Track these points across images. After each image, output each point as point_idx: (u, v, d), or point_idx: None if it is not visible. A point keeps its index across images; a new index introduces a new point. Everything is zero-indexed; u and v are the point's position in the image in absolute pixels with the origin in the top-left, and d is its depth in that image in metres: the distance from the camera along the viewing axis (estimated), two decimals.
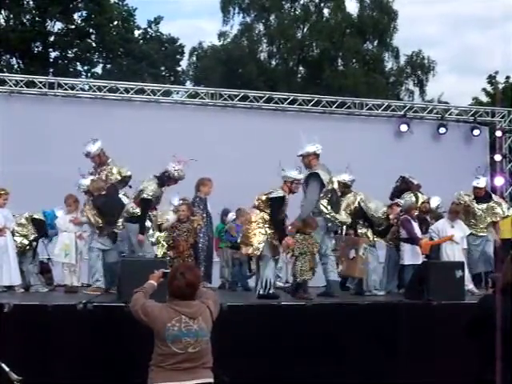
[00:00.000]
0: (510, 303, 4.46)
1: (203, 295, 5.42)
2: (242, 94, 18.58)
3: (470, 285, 11.42)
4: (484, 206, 12.61)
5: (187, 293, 5.18)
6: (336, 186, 11.00)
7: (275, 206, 10.15)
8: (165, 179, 10.72)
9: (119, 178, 11.21)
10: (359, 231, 11.50)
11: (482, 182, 12.67)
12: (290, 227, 10.65)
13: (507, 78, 38.34)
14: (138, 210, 10.52)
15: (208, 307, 5.26)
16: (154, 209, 10.88)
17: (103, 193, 10.84)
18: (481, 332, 4.57)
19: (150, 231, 11.00)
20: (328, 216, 10.71)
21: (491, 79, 38.07)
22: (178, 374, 5.10)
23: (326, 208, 10.71)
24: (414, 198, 12.53)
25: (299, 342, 8.61)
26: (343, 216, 11.07)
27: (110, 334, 8.11)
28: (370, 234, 11.55)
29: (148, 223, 10.73)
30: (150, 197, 10.48)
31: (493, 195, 13.28)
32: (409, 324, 9.21)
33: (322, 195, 10.70)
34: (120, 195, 11.25)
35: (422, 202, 12.55)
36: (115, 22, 35.97)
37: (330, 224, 10.88)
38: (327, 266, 10.77)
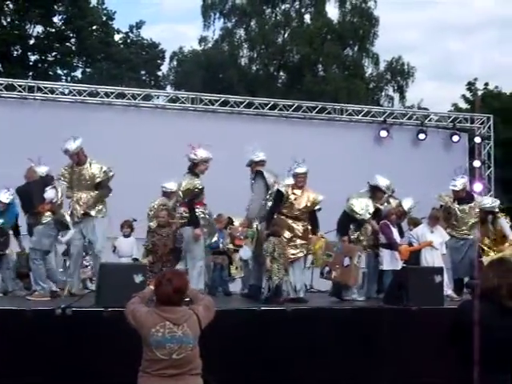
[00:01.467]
0: (489, 309, 4.47)
1: (197, 301, 5.40)
2: (223, 98, 18.61)
3: (448, 290, 11.45)
4: (466, 207, 12.40)
5: (174, 299, 5.16)
6: None
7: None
8: (194, 168, 10.53)
9: (99, 178, 10.90)
10: (352, 237, 11.49)
11: (458, 185, 12.47)
12: (240, 228, 10.77)
13: (486, 84, 38.62)
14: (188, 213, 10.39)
15: (196, 313, 5.22)
16: (202, 204, 10.75)
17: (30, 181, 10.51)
18: (461, 338, 4.57)
19: None
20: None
21: (470, 86, 38.31)
22: (164, 380, 5.07)
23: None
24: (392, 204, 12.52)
25: (279, 347, 8.59)
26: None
27: (89, 339, 8.05)
28: (362, 237, 11.57)
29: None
30: (199, 187, 10.37)
31: (475, 196, 13.07)
32: (388, 329, 9.22)
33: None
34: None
35: (396, 206, 12.50)
36: (95, 26, 35.86)
37: None
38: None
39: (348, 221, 11.47)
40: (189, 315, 5.19)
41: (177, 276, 5.29)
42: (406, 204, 12.44)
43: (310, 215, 11.06)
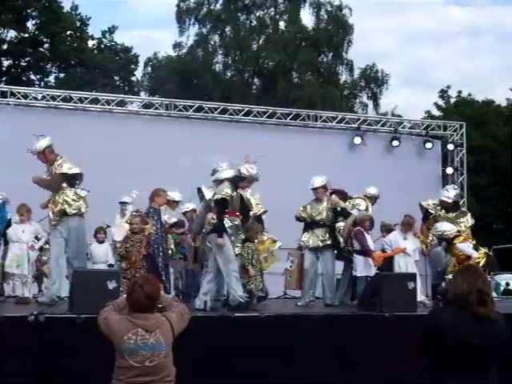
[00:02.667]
0: (459, 316, 4.51)
1: (172, 308, 5.38)
2: (197, 104, 18.59)
3: (421, 296, 11.51)
4: (453, 215, 12.30)
5: (145, 305, 5.12)
6: None
7: None
8: (238, 181, 10.44)
9: (67, 173, 10.52)
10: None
11: (452, 196, 12.31)
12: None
13: (459, 92, 38.98)
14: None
15: (169, 320, 5.19)
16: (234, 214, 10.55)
17: None
18: (432, 345, 4.60)
19: None
20: None
21: (443, 93, 38.64)
22: None
23: None
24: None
25: (252, 354, 8.58)
26: None
27: (62, 346, 8.00)
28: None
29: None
30: (225, 196, 10.15)
31: (460, 204, 12.94)
32: (362, 335, 9.25)
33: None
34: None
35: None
36: (69, 32, 35.70)
37: None
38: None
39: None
40: (161, 322, 5.16)
41: (148, 282, 5.25)
42: (372, 190, 12.60)
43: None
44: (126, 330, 5.07)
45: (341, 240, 11.75)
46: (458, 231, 11.30)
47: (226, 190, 10.17)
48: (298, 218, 11.93)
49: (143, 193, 11.49)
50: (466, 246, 11.10)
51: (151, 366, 5.05)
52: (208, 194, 11.00)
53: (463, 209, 12.95)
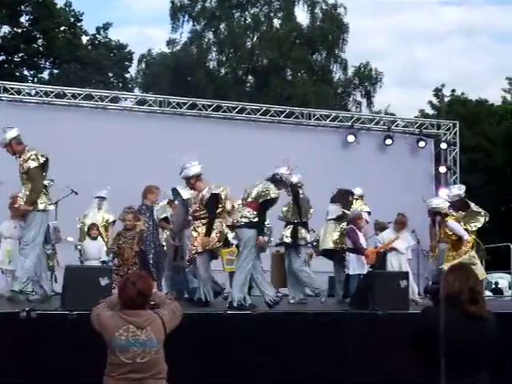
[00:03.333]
0: (451, 314, 4.51)
1: (164, 305, 5.38)
2: (191, 101, 18.60)
3: (414, 294, 11.53)
4: (462, 214, 12.09)
5: (138, 302, 5.12)
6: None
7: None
8: (279, 182, 10.22)
9: (36, 164, 10.29)
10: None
11: (450, 195, 12.29)
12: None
13: (453, 91, 39.04)
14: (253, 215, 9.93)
15: (160, 317, 5.18)
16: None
17: None
18: (423, 344, 4.60)
19: None
20: None
21: (437, 92, 38.68)
22: None
23: None
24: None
25: (244, 352, 8.58)
26: None
27: (54, 342, 7.99)
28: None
29: None
30: (277, 195, 10.03)
31: (471, 204, 12.79)
32: (355, 333, 9.25)
33: None
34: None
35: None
36: (62, 28, 35.62)
37: None
38: None
39: None
40: (153, 319, 5.16)
41: (141, 279, 5.25)
42: (357, 191, 12.70)
43: None
44: (117, 326, 5.06)
45: (307, 237, 11.80)
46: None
47: (274, 188, 10.00)
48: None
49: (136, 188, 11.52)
50: (457, 226, 11.15)
51: (142, 363, 5.04)
52: (185, 194, 10.98)
53: (476, 209, 12.42)
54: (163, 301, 5.47)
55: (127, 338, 5.03)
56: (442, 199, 11.50)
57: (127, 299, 5.14)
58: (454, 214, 11.71)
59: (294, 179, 11.30)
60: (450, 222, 11.17)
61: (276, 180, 10.16)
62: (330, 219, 12.33)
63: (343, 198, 12.75)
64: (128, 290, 5.14)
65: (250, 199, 9.97)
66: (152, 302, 5.39)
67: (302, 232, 11.68)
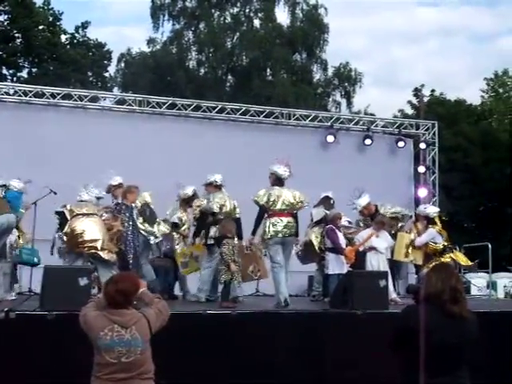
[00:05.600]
0: (433, 314, 4.52)
1: (151, 304, 5.36)
2: (170, 101, 18.57)
3: (392, 294, 11.57)
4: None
5: (119, 301, 5.11)
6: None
7: None
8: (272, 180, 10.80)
9: None
10: None
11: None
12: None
13: (432, 91, 39.23)
14: None
15: (146, 317, 5.18)
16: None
17: None
18: (404, 343, 4.61)
19: None
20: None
21: (417, 92, 38.83)
22: None
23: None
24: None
25: (223, 351, 8.57)
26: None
27: (33, 343, 7.94)
28: None
29: None
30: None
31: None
32: (334, 333, 9.27)
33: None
34: None
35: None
36: (41, 26, 35.39)
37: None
38: None
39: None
40: (138, 318, 5.15)
41: (124, 278, 5.27)
42: (364, 201, 12.76)
43: None
44: (102, 325, 5.06)
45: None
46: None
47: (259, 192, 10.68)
48: None
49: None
50: (430, 235, 11.76)
51: (127, 363, 5.04)
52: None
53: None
54: (150, 300, 5.45)
55: (112, 337, 5.03)
56: (435, 209, 12.47)
57: (108, 298, 5.15)
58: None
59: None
60: (431, 229, 11.98)
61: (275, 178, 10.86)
62: (315, 223, 12.52)
63: (325, 201, 12.94)
64: (108, 288, 5.16)
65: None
66: (135, 302, 5.36)
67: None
